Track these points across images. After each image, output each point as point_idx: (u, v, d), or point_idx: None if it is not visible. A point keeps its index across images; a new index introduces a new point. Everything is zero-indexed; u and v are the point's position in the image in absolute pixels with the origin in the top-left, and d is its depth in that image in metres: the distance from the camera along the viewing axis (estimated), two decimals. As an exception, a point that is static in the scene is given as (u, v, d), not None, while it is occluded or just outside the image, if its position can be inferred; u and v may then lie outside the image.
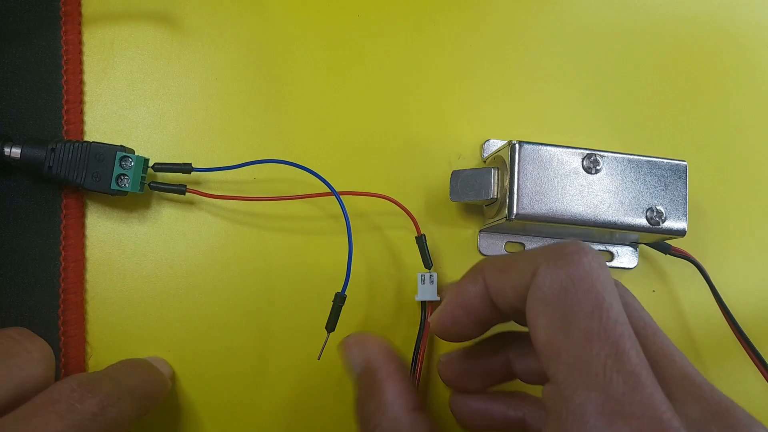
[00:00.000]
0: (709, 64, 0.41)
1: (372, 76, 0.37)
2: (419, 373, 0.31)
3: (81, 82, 0.33)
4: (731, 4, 0.42)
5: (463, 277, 0.26)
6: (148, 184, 0.32)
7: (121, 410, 0.23)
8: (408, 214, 0.32)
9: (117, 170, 0.30)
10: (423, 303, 0.32)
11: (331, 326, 0.30)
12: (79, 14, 0.34)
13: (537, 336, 0.21)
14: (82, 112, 0.33)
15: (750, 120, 0.41)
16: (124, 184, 0.30)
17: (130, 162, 0.30)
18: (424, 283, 0.32)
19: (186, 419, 0.32)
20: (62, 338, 0.30)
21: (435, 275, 0.32)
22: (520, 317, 0.23)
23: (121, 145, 0.31)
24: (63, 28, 0.33)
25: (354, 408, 0.27)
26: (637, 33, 0.41)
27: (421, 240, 0.32)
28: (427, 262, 0.32)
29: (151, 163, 0.32)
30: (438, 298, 0.32)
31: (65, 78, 0.33)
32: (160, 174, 0.33)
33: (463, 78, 0.38)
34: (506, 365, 0.28)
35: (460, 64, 0.38)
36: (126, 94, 0.34)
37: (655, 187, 0.33)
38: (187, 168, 0.32)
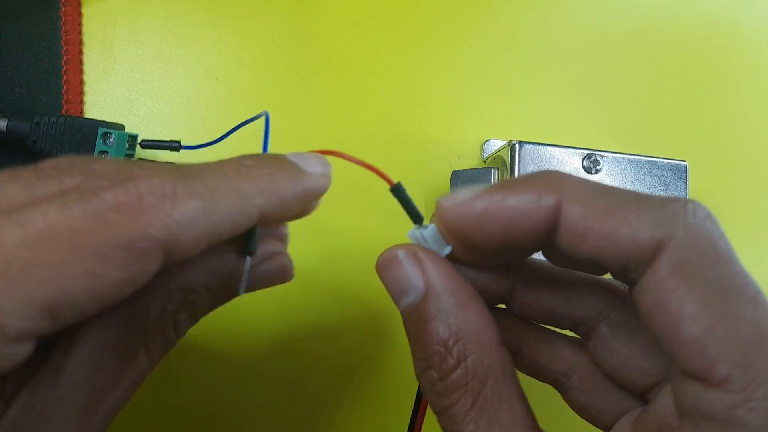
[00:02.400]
0: (710, 63, 0.41)
1: (372, 78, 0.37)
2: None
3: (81, 83, 0.33)
4: (732, 4, 0.42)
5: (527, 180, 0.18)
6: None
7: None
8: (366, 167, 0.23)
9: (99, 146, 0.29)
10: None
11: (250, 250, 0.21)
12: (80, 14, 0.34)
13: (682, 325, 0.16)
14: (82, 112, 0.33)
15: (750, 120, 0.41)
16: None
17: (112, 138, 0.30)
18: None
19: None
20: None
21: (432, 227, 0.21)
22: (580, 266, 0.19)
23: (104, 121, 0.30)
24: (63, 29, 0.33)
25: (415, 342, 0.20)
26: (638, 33, 0.41)
27: (398, 190, 0.23)
28: (416, 215, 0.23)
29: (140, 140, 0.31)
30: (449, 249, 0.21)
31: (65, 78, 0.33)
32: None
33: (463, 78, 0.38)
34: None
35: (460, 64, 0.38)
36: (126, 95, 0.34)
37: (656, 187, 0.33)
38: (175, 145, 0.31)
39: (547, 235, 0.18)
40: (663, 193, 0.33)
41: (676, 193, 0.34)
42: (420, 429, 0.22)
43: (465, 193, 0.19)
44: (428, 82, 0.37)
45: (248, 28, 0.36)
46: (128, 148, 0.30)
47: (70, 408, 0.16)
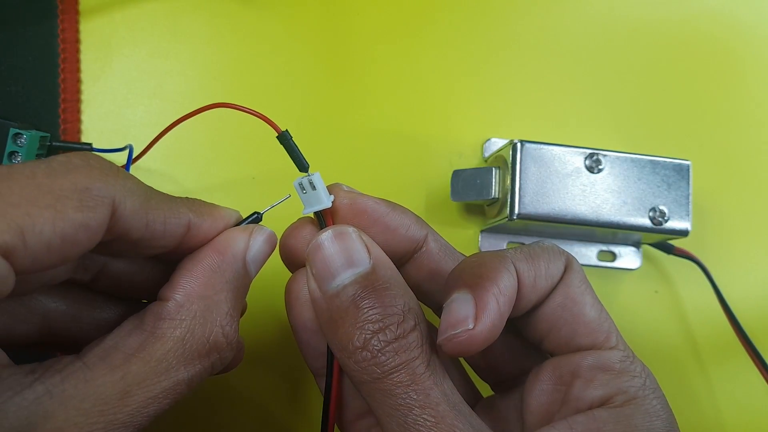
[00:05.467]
0: (713, 62, 0.41)
1: (372, 76, 0.36)
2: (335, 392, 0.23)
3: (78, 81, 0.33)
4: (736, 3, 0.42)
5: (493, 269, 0.22)
6: None
7: None
8: (254, 114, 0.25)
9: (10, 147, 0.29)
10: (317, 216, 0.24)
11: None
12: (77, 12, 0.33)
13: (585, 310, 0.23)
14: (79, 111, 0.33)
15: (754, 119, 0.41)
16: (17, 161, 0.29)
17: (23, 139, 0.29)
18: (305, 192, 0.24)
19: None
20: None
21: (317, 174, 0.23)
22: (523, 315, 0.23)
23: (16, 122, 0.30)
24: (60, 27, 0.33)
25: (362, 309, 0.21)
26: (640, 32, 0.40)
27: (284, 138, 0.25)
28: (302, 164, 0.24)
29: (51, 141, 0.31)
30: (329, 203, 0.23)
31: (62, 77, 0.32)
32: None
33: (464, 76, 0.38)
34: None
35: (461, 62, 0.38)
36: (123, 93, 0.34)
37: (658, 186, 0.33)
38: (87, 148, 0.31)
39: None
40: (666, 193, 0.33)
41: (680, 193, 0.33)
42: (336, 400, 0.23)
43: (461, 317, 0.21)
44: (429, 80, 0.37)
45: (246, 26, 0.35)
46: (39, 149, 0.30)
47: None
